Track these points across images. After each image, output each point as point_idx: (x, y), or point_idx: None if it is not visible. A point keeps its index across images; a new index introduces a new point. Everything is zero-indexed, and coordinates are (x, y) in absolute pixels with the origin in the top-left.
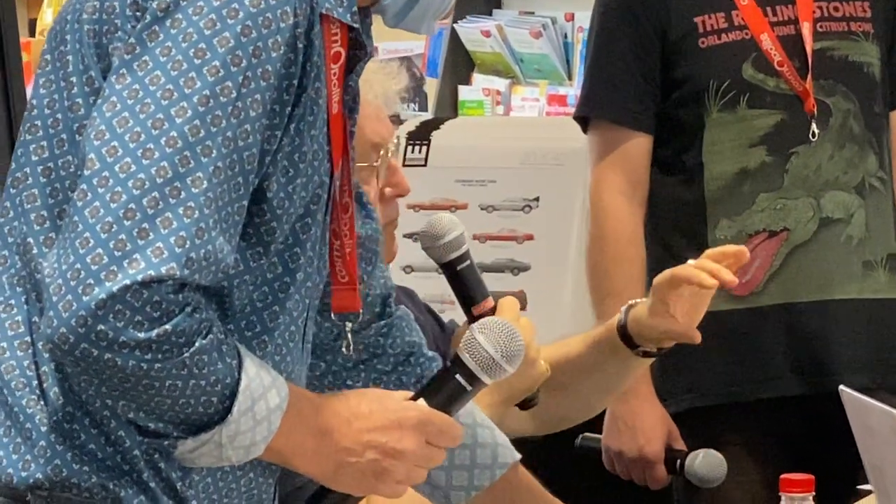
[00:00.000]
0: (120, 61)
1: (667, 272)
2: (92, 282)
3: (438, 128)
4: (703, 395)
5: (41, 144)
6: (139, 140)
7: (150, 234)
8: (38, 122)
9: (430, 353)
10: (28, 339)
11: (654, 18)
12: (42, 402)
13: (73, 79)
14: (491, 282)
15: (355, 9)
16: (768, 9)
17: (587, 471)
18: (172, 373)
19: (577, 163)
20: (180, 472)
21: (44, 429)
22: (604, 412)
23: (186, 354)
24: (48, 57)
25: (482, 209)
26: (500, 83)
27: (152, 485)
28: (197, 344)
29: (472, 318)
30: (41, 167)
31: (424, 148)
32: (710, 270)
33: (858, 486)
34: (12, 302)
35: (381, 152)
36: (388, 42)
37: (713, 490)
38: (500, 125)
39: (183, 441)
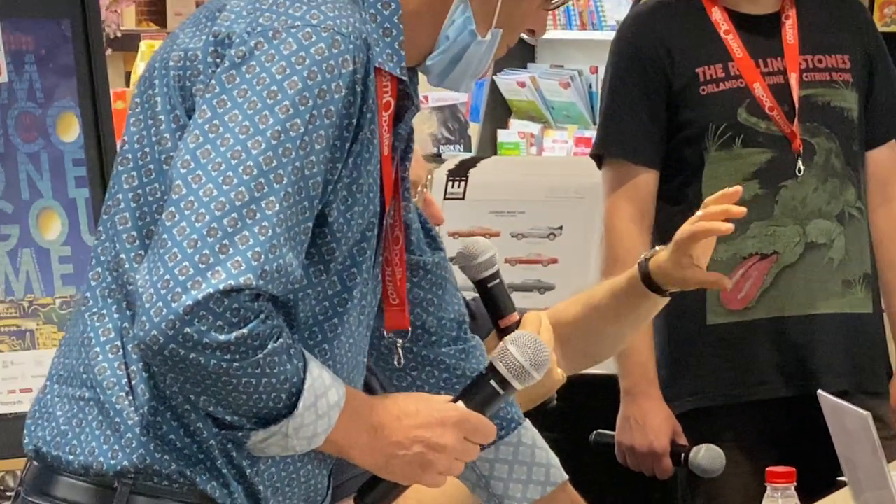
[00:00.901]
0: (203, 100)
1: (686, 230)
2: (180, 290)
3: (475, 166)
4: (704, 398)
5: (131, 174)
6: (220, 168)
7: (230, 249)
8: (129, 155)
9: None
10: (118, 343)
11: (660, 69)
12: (130, 398)
13: (161, 117)
14: (520, 300)
15: (404, 64)
16: (760, 61)
17: (600, 463)
18: (248, 371)
19: (595, 196)
20: (249, 460)
21: (131, 422)
22: (612, 410)
23: (260, 356)
24: (138, 100)
25: (513, 236)
26: (534, 127)
27: (224, 471)
28: (269, 347)
29: (500, 330)
30: (132, 194)
31: (463, 183)
32: (717, 217)
33: (838, 478)
34: (104, 312)
35: (419, 188)
36: (437, 92)
37: (711, 480)
38: (529, 164)
39: (255, 432)
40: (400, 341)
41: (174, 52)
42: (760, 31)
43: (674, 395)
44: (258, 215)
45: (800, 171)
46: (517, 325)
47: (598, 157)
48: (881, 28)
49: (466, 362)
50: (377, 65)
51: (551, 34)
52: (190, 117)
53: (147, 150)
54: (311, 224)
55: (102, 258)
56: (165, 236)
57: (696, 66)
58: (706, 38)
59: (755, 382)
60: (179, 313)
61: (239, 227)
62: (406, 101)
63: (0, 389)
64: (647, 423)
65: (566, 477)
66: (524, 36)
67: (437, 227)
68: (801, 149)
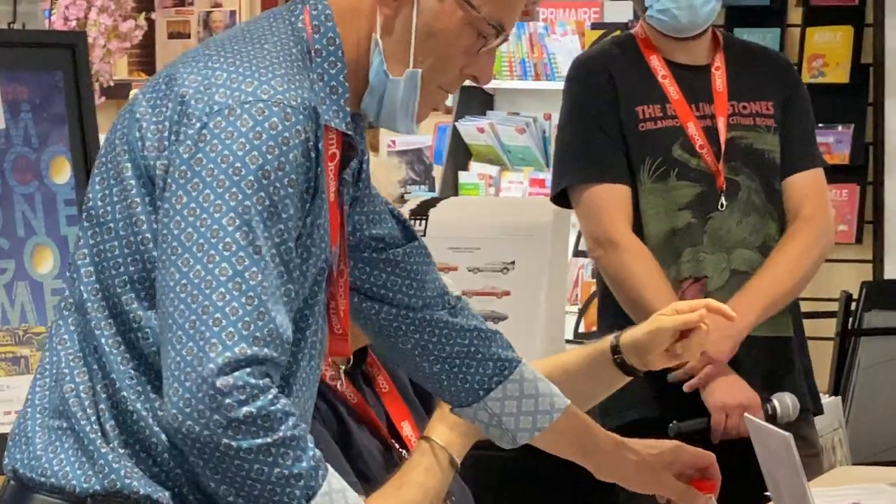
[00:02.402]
0: (175, 183)
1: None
2: (189, 370)
3: (435, 206)
4: (643, 409)
5: (95, 230)
6: (203, 249)
7: (223, 321)
8: (93, 212)
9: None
10: (90, 384)
11: (612, 101)
12: (100, 433)
13: (132, 182)
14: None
15: (349, 119)
16: (693, 105)
17: (548, 469)
18: (259, 458)
19: (545, 234)
20: (215, 486)
21: (104, 450)
22: None
23: (270, 440)
24: (104, 160)
25: (469, 270)
26: (492, 169)
27: (191, 497)
28: (281, 432)
29: None
30: (95, 249)
31: (424, 221)
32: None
33: (765, 493)
34: (80, 354)
35: None
36: (403, 137)
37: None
38: (484, 204)
39: None
40: (342, 367)
41: (137, 121)
42: (694, 79)
43: (616, 407)
44: (243, 286)
45: (722, 205)
46: None
47: (563, 191)
48: (808, 80)
49: (459, 318)
50: (324, 123)
51: (508, 83)
52: (154, 184)
53: (109, 209)
54: (291, 286)
55: (73, 301)
56: (170, 321)
57: (636, 105)
58: (646, 81)
59: (689, 396)
60: (193, 391)
61: (227, 299)
62: (350, 152)
63: None
64: (740, 385)
65: (568, 401)
66: (475, 83)
67: None
68: (723, 186)
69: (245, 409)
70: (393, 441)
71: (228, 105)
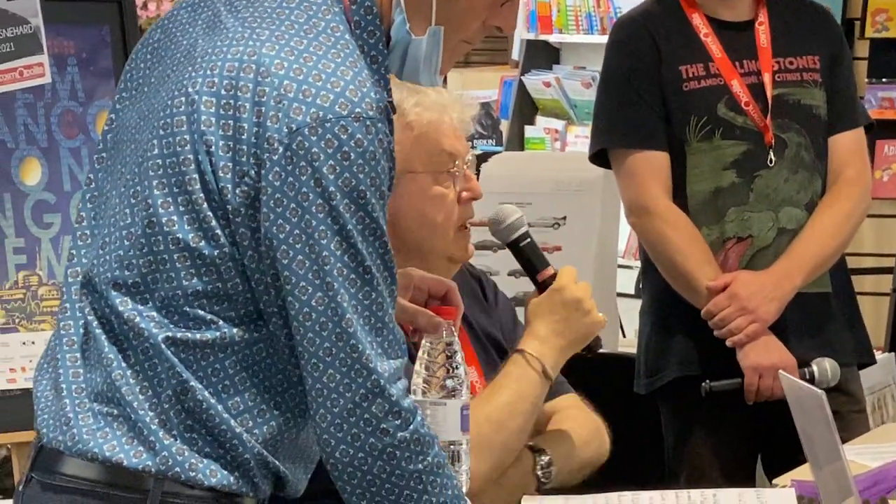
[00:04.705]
0: (273, 213)
1: None
2: (335, 396)
3: (487, 161)
4: (689, 367)
5: (158, 238)
6: (320, 276)
7: (358, 346)
8: (154, 219)
9: None
10: (147, 371)
11: (653, 64)
12: (158, 421)
13: (201, 196)
14: (527, 284)
15: (389, 86)
16: (737, 62)
17: None
18: (411, 483)
19: (595, 190)
20: (285, 468)
21: (167, 442)
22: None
23: (421, 466)
24: (160, 162)
25: None
26: (558, 124)
27: (257, 481)
28: (430, 457)
29: (538, 284)
30: (153, 250)
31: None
32: None
33: None
34: (122, 338)
35: (457, 162)
36: (472, 90)
37: (695, 448)
38: (535, 159)
39: None
40: None
41: (203, 135)
42: (737, 36)
43: (661, 365)
44: (359, 308)
45: (771, 161)
46: (553, 277)
47: (601, 152)
48: (872, 34)
49: None
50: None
51: (574, 38)
52: (226, 207)
53: (175, 218)
54: (394, 286)
55: (109, 279)
56: (300, 349)
57: (679, 65)
58: (688, 40)
59: (731, 357)
60: (344, 416)
61: (353, 324)
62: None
63: None
64: (775, 346)
65: None
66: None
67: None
68: (772, 142)
69: (400, 434)
70: None
71: (307, 123)
